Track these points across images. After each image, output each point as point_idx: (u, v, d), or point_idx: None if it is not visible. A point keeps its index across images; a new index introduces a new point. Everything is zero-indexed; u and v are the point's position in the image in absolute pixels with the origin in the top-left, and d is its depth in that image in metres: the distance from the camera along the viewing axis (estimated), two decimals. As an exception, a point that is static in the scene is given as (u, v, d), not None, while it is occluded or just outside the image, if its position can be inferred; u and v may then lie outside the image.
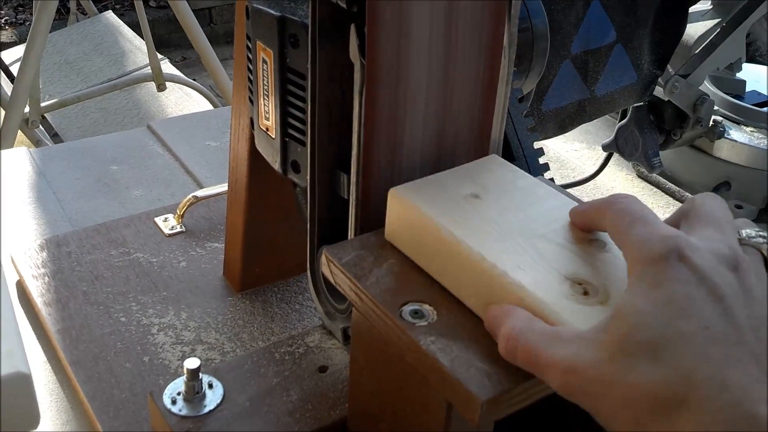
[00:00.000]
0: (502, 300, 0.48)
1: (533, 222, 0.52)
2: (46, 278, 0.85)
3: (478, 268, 0.49)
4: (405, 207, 0.54)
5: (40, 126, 2.30)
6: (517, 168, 0.59)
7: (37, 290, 0.83)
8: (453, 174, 0.57)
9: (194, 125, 1.27)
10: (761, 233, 0.46)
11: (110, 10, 3.17)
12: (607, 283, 0.47)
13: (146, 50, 2.36)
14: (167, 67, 2.57)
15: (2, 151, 1.16)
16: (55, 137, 2.53)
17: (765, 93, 1.23)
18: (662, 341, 0.40)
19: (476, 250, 0.49)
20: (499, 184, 0.56)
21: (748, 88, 1.23)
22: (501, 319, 0.46)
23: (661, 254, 0.42)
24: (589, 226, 0.51)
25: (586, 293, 0.47)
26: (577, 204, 0.54)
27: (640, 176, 1.24)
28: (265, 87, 0.64)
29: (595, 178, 1.18)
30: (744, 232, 0.46)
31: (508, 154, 0.71)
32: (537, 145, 0.72)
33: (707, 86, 1.19)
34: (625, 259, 0.45)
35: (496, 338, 0.46)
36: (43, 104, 2.29)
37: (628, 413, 0.40)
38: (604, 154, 1.17)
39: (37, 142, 2.22)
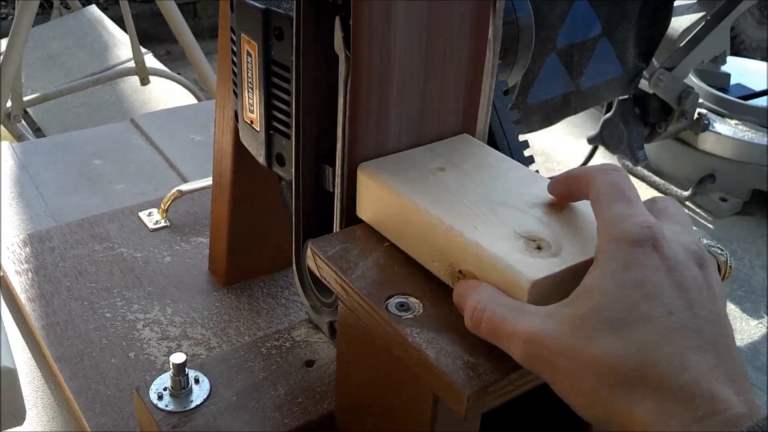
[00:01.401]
0: (460, 260, 0.49)
1: (494, 191, 0.54)
2: (30, 274, 0.84)
3: (437, 230, 0.51)
4: (372, 181, 0.55)
5: (23, 121, 2.28)
6: (484, 145, 0.60)
7: (20, 286, 0.82)
8: (422, 150, 0.59)
9: (178, 119, 1.26)
10: (717, 245, 0.49)
11: (94, 4, 3.15)
12: (561, 238, 0.49)
13: (130, 44, 2.34)
14: (151, 61, 2.56)
15: (-16, 146, 1.15)
16: (38, 132, 2.51)
17: (749, 86, 1.23)
18: (626, 320, 0.41)
19: (435, 215, 0.51)
20: (465, 159, 0.58)
21: (732, 81, 1.23)
22: (468, 292, 0.47)
23: (638, 239, 0.43)
24: (569, 194, 0.51)
25: (539, 248, 0.48)
26: (539, 177, 0.55)
27: (625, 169, 1.24)
28: (250, 80, 0.64)
29: (581, 171, 1.18)
30: (704, 241, 0.48)
31: (493, 147, 0.71)
32: (522, 137, 0.72)
33: (692, 79, 1.19)
34: (598, 232, 0.46)
35: (463, 312, 0.47)
36: (25, 99, 2.26)
37: (585, 385, 0.41)
38: (590, 147, 1.17)
39: (19, 137, 2.20)
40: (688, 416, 0.38)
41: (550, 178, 0.54)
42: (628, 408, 0.40)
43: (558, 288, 0.46)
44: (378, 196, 0.55)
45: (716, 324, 0.42)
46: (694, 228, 0.49)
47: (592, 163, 1.18)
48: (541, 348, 0.42)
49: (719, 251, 0.48)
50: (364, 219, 0.57)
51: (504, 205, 0.52)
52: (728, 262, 0.48)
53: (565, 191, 0.51)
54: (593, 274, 0.43)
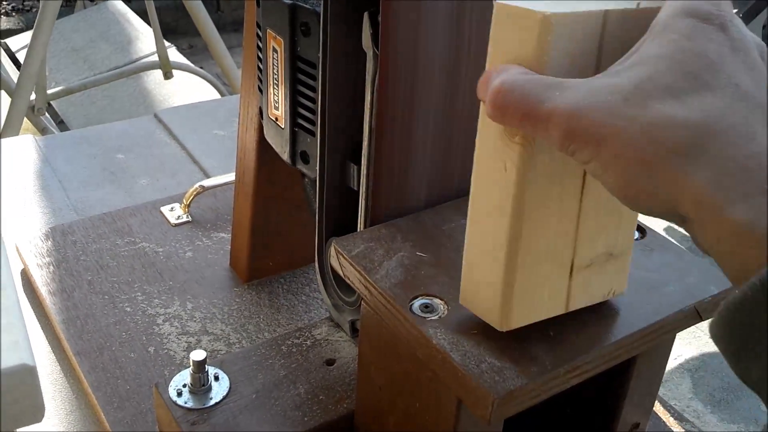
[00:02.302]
0: None
1: None
2: (51, 267, 0.84)
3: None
4: None
5: (46, 113, 2.30)
6: None
7: (41, 279, 0.82)
8: None
9: (201, 114, 1.26)
10: None
11: (117, -3, 3.16)
12: None
13: (153, 38, 2.35)
14: (174, 54, 2.57)
15: (8, 138, 1.16)
16: (61, 124, 2.53)
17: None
18: (687, 89, 0.37)
19: None
20: None
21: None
22: (490, 77, 0.41)
23: (707, 16, 0.38)
24: None
25: None
26: None
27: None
28: (275, 76, 0.64)
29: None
30: None
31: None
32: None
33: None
34: (663, 9, 0.40)
35: (484, 101, 0.41)
36: (49, 91, 2.28)
37: (636, 156, 0.37)
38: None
39: (42, 130, 2.21)
40: (752, 186, 0.34)
41: None
42: (683, 177, 0.36)
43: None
44: None
45: None
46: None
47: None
48: (588, 122, 0.37)
49: None
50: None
51: None
52: None
53: None
54: (648, 43, 0.39)
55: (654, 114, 0.36)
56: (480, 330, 0.47)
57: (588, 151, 0.38)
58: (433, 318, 0.48)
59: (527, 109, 0.39)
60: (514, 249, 0.45)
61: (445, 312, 0.49)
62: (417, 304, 0.49)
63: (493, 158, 0.44)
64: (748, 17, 1.07)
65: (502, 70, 0.41)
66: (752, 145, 0.35)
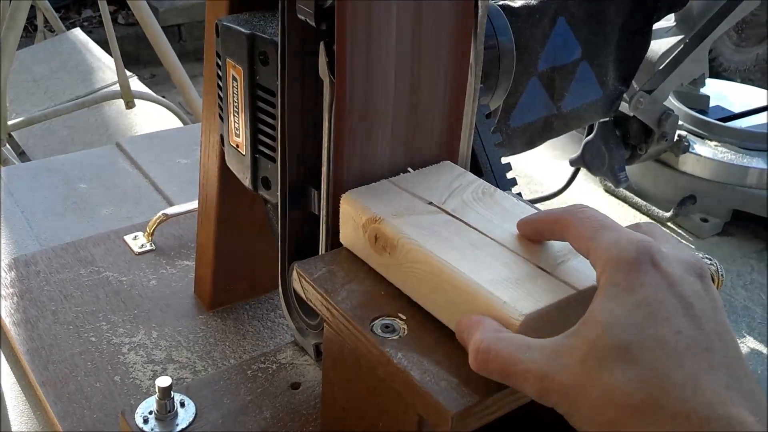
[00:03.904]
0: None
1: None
2: (15, 298, 0.84)
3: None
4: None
5: (7, 145, 2.28)
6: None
7: (5, 310, 0.82)
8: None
9: (164, 143, 1.27)
10: (706, 256, 0.50)
11: (78, 27, 3.15)
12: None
13: (115, 67, 2.35)
14: (136, 84, 2.56)
15: (-31, 170, 1.15)
16: (22, 155, 2.51)
17: (728, 108, 1.25)
18: (635, 344, 0.40)
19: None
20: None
21: (711, 103, 1.25)
22: (470, 330, 0.46)
23: (635, 258, 0.43)
24: (542, 236, 0.52)
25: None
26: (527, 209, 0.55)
27: (607, 191, 1.25)
28: (235, 104, 0.65)
29: (563, 193, 1.20)
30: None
31: (476, 170, 0.71)
32: (504, 160, 0.73)
33: (672, 101, 1.21)
34: (592, 264, 0.45)
35: (466, 348, 0.46)
36: (9, 122, 2.26)
37: (603, 416, 0.40)
38: (572, 169, 1.18)
39: (3, 161, 2.19)
40: None
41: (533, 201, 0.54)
42: None
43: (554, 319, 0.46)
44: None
45: (724, 338, 0.41)
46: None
47: (573, 185, 1.19)
48: (556, 384, 0.42)
49: (709, 261, 0.48)
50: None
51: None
52: (719, 271, 0.48)
53: (535, 233, 0.52)
54: (597, 300, 0.43)
55: (610, 379, 0.40)
56: (439, 349, 0.49)
57: (563, 408, 0.42)
58: (393, 338, 0.49)
59: (504, 368, 0.44)
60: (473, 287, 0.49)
61: (405, 332, 0.50)
62: (378, 324, 0.50)
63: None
64: (693, 44, 1.10)
65: (478, 323, 0.46)
66: (698, 398, 0.39)
